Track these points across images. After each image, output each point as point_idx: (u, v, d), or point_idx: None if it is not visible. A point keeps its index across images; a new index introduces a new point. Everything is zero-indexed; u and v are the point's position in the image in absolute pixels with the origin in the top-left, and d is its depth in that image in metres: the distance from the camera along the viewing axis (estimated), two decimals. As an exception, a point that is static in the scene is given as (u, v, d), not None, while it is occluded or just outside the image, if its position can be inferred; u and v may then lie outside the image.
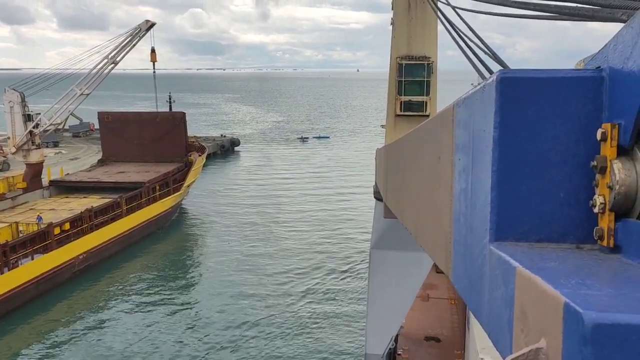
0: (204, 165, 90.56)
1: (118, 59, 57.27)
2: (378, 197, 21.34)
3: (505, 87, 2.32)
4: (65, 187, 60.89)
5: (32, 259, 41.94)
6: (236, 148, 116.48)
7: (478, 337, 15.91)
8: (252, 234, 60.61)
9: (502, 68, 4.86)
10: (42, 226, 44.27)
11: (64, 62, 57.60)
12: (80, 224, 48.07)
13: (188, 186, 67.09)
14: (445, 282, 33.87)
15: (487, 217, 2.42)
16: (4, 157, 75.41)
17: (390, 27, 27.67)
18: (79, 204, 54.60)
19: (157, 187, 60.32)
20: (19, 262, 40.72)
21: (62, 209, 53.34)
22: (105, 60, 56.68)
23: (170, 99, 74.96)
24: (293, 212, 69.17)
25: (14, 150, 57.43)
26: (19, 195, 56.76)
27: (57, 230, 45.14)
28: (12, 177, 65.34)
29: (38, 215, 46.55)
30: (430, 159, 4.21)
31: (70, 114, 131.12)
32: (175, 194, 62.57)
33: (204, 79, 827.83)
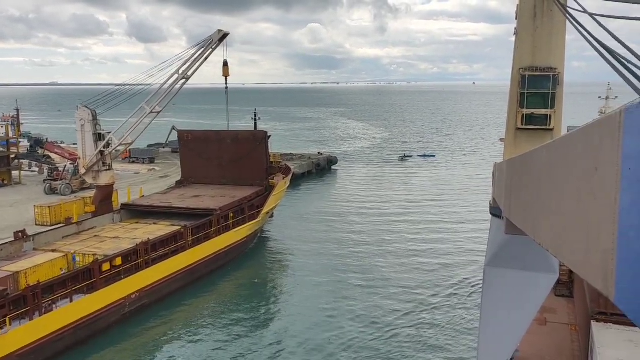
0: (295, 186, 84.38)
1: (189, 73, 52.01)
2: (495, 213, 19.64)
3: None
4: (137, 211, 56.62)
5: (71, 300, 36.89)
6: (334, 167, 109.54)
7: None
8: (342, 262, 53.28)
9: None
10: (78, 267, 39.28)
11: (136, 76, 53.33)
12: (136, 259, 42.78)
13: (267, 213, 60.45)
14: (566, 307, 31.74)
15: None
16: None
17: (513, 38, 26.45)
18: (144, 232, 49.79)
19: (231, 215, 54.29)
20: (53, 306, 35.67)
21: (126, 238, 48.64)
22: (176, 76, 51.64)
23: (255, 115, 69.20)
24: (390, 240, 60.37)
25: (83, 171, 53.90)
26: (87, 219, 52.98)
27: (105, 267, 40.04)
28: (90, 197, 62.54)
29: (73, 255, 41.70)
30: (581, 171, 4.01)
31: (173, 129, 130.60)
32: (251, 222, 56.22)
33: (317, 92, 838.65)
